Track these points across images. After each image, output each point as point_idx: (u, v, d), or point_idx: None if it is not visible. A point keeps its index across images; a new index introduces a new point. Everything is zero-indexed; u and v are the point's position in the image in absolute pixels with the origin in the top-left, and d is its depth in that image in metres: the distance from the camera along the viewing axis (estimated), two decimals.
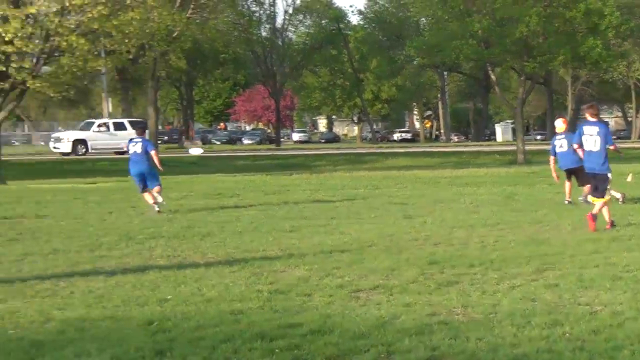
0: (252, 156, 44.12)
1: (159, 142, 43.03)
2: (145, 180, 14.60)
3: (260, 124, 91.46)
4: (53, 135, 48.14)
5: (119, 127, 46.66)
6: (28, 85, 23.42)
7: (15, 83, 23.59)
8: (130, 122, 47.29)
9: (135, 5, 24.27)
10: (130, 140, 14.99)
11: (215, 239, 11.02)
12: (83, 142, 46.56)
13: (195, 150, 24.44)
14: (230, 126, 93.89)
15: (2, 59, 22.84)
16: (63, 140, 46.17)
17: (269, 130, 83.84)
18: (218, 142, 73.54)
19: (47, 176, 28.10)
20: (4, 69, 22.91)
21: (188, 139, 65.49)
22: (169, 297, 7.11)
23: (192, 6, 34.10)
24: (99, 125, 46.22)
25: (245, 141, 75.58)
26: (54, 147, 45.61)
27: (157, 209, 14.42)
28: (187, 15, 33.66)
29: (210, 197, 18.06)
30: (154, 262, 9.11)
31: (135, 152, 14.63)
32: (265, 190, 19.97)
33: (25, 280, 7.95)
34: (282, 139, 72.07)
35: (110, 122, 47.76)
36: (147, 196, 14.68)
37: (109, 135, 46.31)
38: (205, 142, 70.24)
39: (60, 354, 5.33)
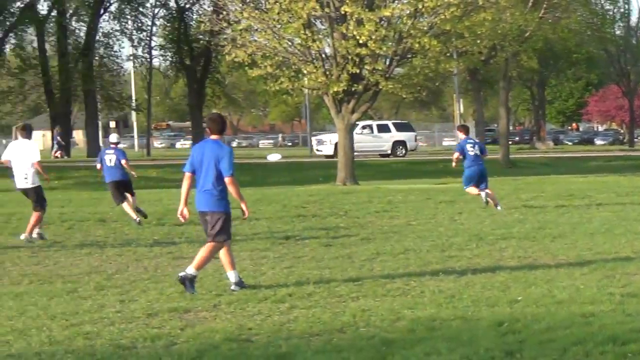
0: (604, 157, 42.24)
1: (510, 142, 41.98)
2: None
3: (613, 124, 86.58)
4: (316, 137, 48.50)
5: (383, 129, 46.61)
6: (381, 86, 23.90)
7: (368, 85, 24.19)
8: (395, 125, 46.70)
9: (487, 6, 24.14)
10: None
11: (566, 240, 10.79)
12: None
13: (274, 157, 22.60)
14: (582, 126, 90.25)
15: (356, 61, 23.40)
16: (326, 143, 46.70)
17: (622, 131, 79.05)
18: (570, 143, 71.81)
19: (395, 177, 28.60)
20: (357, 71, 23.48)
21: (540, 140, 64.21)
22: (519, 298, 7.04)
23: (544, 6, 33.32)
24: (363, 128, 46.34)
25: (598, 142, 72.57)
26: (317, 150, 45.30)
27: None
28: (540, 15, 32.93)
29: (562, 198, 17.57)
30: (505, 263, 9.07)
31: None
32: (618, 191, 19.33)
33: (376, 279, 8.11)
34: (635, 139, 67.64)
35: (374, 124, 47.54)
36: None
37: (373, 137, 46.44)
38: (556, 142, 68.89)
39: (411, 352, 5.40)
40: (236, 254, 8.79)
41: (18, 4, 42.32)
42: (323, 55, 24.27)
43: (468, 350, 5.39)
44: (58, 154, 42.07)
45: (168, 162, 34.14)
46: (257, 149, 69.41)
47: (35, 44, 46.42)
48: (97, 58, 45.66)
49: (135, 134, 68.88)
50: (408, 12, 23.34)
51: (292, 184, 25.65)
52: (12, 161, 12.11)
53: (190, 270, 7.68)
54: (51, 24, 44.74)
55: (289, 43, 24.15)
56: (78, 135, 64.92)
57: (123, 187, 14.16)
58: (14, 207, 15.93)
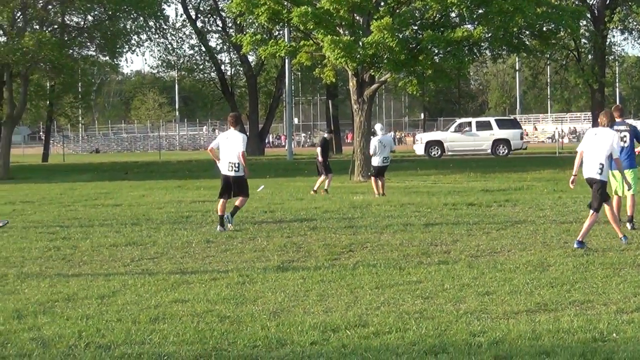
0: None
1: None
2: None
3: None
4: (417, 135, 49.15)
5: (484, 126, 45.71)
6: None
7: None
8: (497, 121, 45.95)
9: None
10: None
11: None
12: (438, 143, 46.42)
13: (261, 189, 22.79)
14: None
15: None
16: (418, 142, 46.54)
17: None
18: None
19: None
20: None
21: None
22: None
23: None
24: (460, 125, 45.72)
25: None
26: (415, 148, 46.52)
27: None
28: None
29: None
30: None
31: None
32: None
33: None
34: None
35: (474, 120, 46.96)
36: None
37: (470, 135, 45.60)
38: None
39: None
40: None
41: None
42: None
43: None
44: None
45: None
46: None
47: None
48: None
49: None
50: None
51: None
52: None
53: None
54: None
55: None
56: None
57: None
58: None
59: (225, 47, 60.49)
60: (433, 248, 11.51)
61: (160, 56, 58.97)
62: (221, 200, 14.12)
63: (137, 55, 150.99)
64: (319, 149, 22.46)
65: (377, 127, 21.36)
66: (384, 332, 6.94)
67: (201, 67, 61.08)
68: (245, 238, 12.81)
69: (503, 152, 45.02)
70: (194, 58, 60.42)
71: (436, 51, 27.50)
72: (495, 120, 47.18)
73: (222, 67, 60.81)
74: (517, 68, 69.54)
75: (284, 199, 19.71)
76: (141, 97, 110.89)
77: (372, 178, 20.57)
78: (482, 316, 7.45)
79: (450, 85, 56.71)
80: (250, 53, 46.11)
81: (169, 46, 57.36)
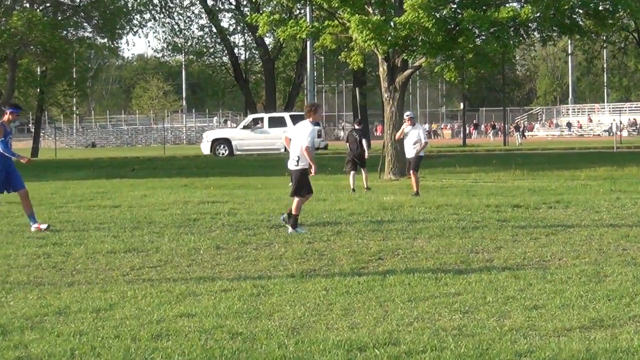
0: None
1: None
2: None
3: None
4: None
5: (277, 122, 45.30)
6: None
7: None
8: (293, 117, 45.52)
9: None
10: None
11: None
12: (226, 141, 46.12)
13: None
14: None
15: None
16: (204, 140, 46.18)
17: None
18: None
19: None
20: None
21: None
22: None
23: None
24: (252, 121, 45.49)
25: None
26: (201, 147, 46.29)
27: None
28: None
29: None
30: None
31: None
32: None
33: None
34: None
35: (266, 116, 46.72)
36: None
37: (261, 133, 45.24)
38: None
39: None
40: None
41: None
42: None
43: None
44: None
45: None
46: None
47: None
48: None
49: None
50: None
51: None
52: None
53: None
54: None
55: None
56: None
57: None
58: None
59: (239, 28, 60.70)
60: (473, 256, 11.44)
61: (165, 38, 59.30)
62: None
63: (140, 37, 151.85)
64: (364, 140, 22.75)
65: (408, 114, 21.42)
66: (417, 351, 6.90)
67: (211, 50, 61.34)
68: (261, 244, 12.81)
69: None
70: (203, 40, 60.70)
71: (478, 32, 27.41)
72: (290, 116, 46.83)
73: (235, 50, 61.03)
74: (569, 52, 69.17)
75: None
76: (144, 85, 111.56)
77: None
78: (529, 333, 7.39)
79: (493, 72, 56.56)
80: (267, 35, 46.23)
81: (176, 27, 57.69)
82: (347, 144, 23.74)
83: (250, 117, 49.80)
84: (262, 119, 47.55)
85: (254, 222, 15.29)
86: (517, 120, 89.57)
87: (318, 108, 14.50)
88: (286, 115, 47.73)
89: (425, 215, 16.05)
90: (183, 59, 68.60)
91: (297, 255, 11.71)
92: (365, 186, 22.39)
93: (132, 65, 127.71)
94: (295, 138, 14.25)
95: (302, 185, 14.22)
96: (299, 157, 14.11)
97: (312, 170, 14.24)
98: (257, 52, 61.19)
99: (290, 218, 14.06)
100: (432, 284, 9.58)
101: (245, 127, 47.49)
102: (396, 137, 22.58)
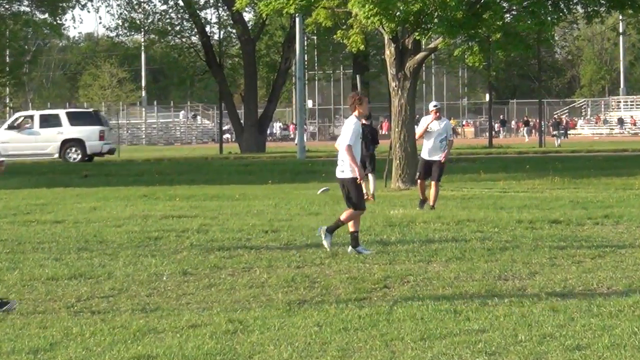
0: None
1: None
2: None
3: None
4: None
5: (50, 121, 45.41)
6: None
7: None
8: (70, 115, 45.69)
9: None
10: None
11: None
12: None
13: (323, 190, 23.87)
14: None
15: None
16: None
17: None
18: None
19: None
20: None
21: None
22: None
23: None
24: (18, 120, 45.25)
25: None
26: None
27: None
28: None
29: None
30: None
31: None
32: None
33: None
34: None
35: (37, 114, 46.72)
36: None
37: (30, 134, 45.39)
38: None
39: None
40: None
41: None
42: None
43: None
44: None
45: None
46: None
47: None
48: None
49: None
50: None
51: None
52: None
53: None
54: None
55: None
56: None
57: None
58: None
59: (211, 1, 60.78)
60: (502, 283, 11.44)
61: (120, 13, 59.34)
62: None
63: (88, 12, 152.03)
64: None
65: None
66: None
67: (178, 28, 61.40)
68: (238, 269, 12.80)
69: (75, 158, 44.93)
70: (167, 16, 60.80)
71: (507, 7, 27.46)
72: (67, 113, 46.85)
73: (207, 28, 61.12)
74: (620, 31, 69.34)
75: (292, 214, 19.68)
76: (93, 71, 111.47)
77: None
78: None
79: (526, 55, 56.71)
80: (246, 9, 46.28)
81: None
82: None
83: (18, 115, 49.41)
84: (32, 117, 47.08)
85: (230, 242, 15.27)
86: (556, 115, 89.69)
87: (363, 99, 14.44)
88: (62, 113, 47.33)
89: (442, 233, 16.03)
90: (142, 40, 68.68)
91: (283, 282, 11.70)
92: (372, 192, 22.44)
93: (79, 47, 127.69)
94: (340, 138, 14.38)
95: (361, 194, 14.27)
96: (344, 162, 14.17)
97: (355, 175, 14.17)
98: (234, 30, 61.29)
99: (351, 240, 14.15)
100: (450, 318, 9.57)
101: (10, 127, 46.82)
102: (417, 136, 22.30)
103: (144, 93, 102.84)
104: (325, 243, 14.18)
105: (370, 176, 22.84)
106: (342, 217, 14.35)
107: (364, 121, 24.40)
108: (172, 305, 10.49)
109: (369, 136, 23.16)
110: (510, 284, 11.40)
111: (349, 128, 14.15)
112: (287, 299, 10.69)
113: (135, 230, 17.04)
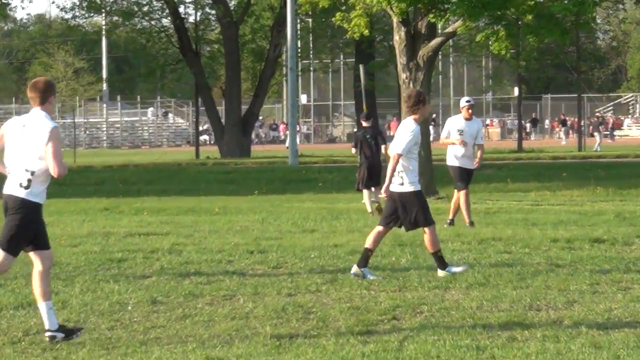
0: None
1: None
2: None
3: None
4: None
5: None
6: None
7: None
8: None
9: None
10: None
11: None
12: None
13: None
14: None
15: None
16: None
17: None
18: None
19: None
20: None
21: None
22: None
23: None
24: None
25: None
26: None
27: None
28: None
29: None
30: None
31: None
32: None
33: None
34: None
35: None
36: None
37: None
38: None
39: None
40: None
41: None
42: None
43: None
44: None
45: None
46: None
47: None
48: None
49: None
50: None
51: None
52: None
53: None
54: None
55: None
56: None
57: None
58: None
59: None
60: (534, 314, 11.44)
61: None
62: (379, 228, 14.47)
63: None
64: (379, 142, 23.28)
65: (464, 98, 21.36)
66: None
67: (146, 9, 61.42)
68: (218, 296, 12.79)
69: None
70: None
71: None
72: None
73: (182, 9, 61.21)
74: None
75: (282, 231, 19.68)
76: (45, 60, 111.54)
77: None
78: None
79: (563, 42, 56.64)
80: None
81: None
82: (356, 150, 23.91)
83: None
84: None
85: (209, 265, 15.27)
86: (598, 113, 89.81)
87: (425, 100, 14.32)
88: None
89: (462, 254, 16.04)
90: (103, 22, 68.63)
91: (271, 313, 11.70)
92: (375, 207, 22.51)
93: (28, 32, 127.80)
94: (393, 143, 14.19)
95: (427, 208, 14.18)
96: (403, 172, 13.97)
97: (383, 189, 14.12)
98: (213, 11, 61.35)
99: (436, 261, 14.16)
100: (471, 356, 9.58)
101: None
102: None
103: (105, 86, 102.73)
104: (459, 269, 14.11)
105: (374, 189, 22.89)
106: (429, 245, 14.26)
107: (364, 123, 24.50)
108: (138, 341, 10.49)
109: (373, 141, 23.20)
110: (544, 315, 11.40)
111: (406, 134, 13.96)
112: (276, 333, 10.69)
113: (95, 250, 17.04)
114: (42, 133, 10.43)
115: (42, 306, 10.55)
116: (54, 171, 10.47)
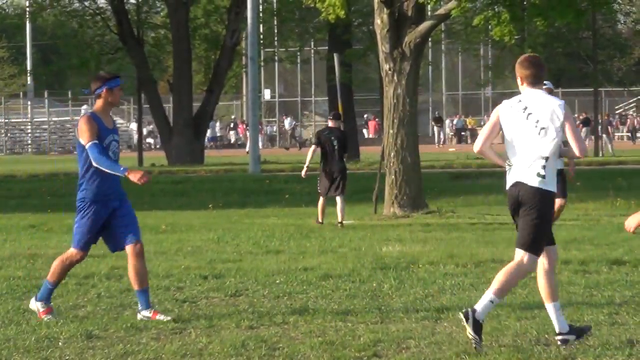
0: None
1: None
2: None
3: None
4: None
5: None
6: None
7: None
8: None
9: None
10: None
11: None
12: None
13: None
14: None
15: None
16: None
17: None
18: None
19: None
20: None
21: None
22: None
23: None
24: None
25: None
26: None
27: None
28: None
29: None
30: None
31: None
32: None
33: None
34: None
35: None
36: None
37: None
38: None
39: None
40: None
41: None
42: None
43: None
44: None
45: None
46: None
47: None
48: None
49: None
50: None
51: None
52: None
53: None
54: None
55: None
56: None
57: None
58: None
59: None
60: (542, 350, 11.52)
61: None
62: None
63: None
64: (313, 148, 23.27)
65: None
66: None
67: None
68: (165, 330, 12.83)
69: None
70: None
71: None
72: None
73: None
74: None
75: (242, 253, 19.74)
76: None
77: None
78: None
79: (577, 26, 56.76)
80: None
81: None
82: (314, 150, 24.17)
83: None
84: None
85: (154, 292, 15.29)
86: (619, 111, 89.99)
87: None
88: None
89: (456, 278, 16.12)
90: (27, 4, 68.58)
91: (229, 349, 11.74)
92: (339, 220, 22.68)
93: None
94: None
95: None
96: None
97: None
98: None
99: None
100: None
101: None
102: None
103: (29, 80, 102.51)
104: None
105: (338, 199, 23.06)
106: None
107: (330, 124, 24.66)
108: None
109: (337, 144, 23.33)
110: (554, 351, 11.48)
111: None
112: None
113: (19, 275, 17.06)
114: None
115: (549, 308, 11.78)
116: None
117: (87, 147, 13.62)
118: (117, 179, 14.03)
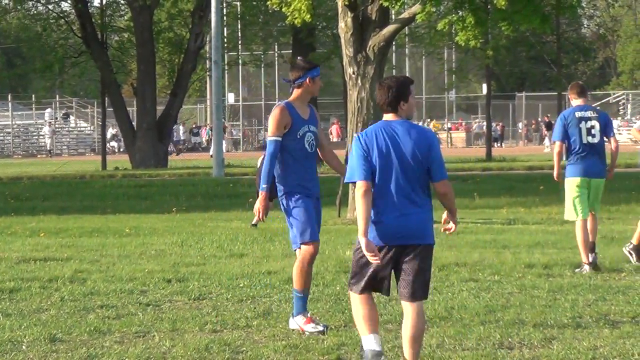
0: None
1: None
2: None
3: None
4: None
5: None
6: None
7: None
8: None
9: None
10: None
11: None
12: None
13: None
14: None
15: None
16: None
17: None
18: None
19: None
20: None
21: None
22: None
23: None
24: None
25: None
26: None
27: None
28: None
29: None
30: None
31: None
32: None
33: None
34: None
35: None
36: None
37: None
38: None
39: None
40: None
41: None
42: None
43: None
44: None
45: None
46: None
47: None
48: None
49: None
50: None
51: None
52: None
53: None
54: None
55: None
56: None
57: None
58: None
59: None
60: (505, 354, 11.54)
61: None
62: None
63: None
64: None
65: None
66: None
67: None
68: (129, 333, 12.80)
69: None
70: None
71: None
72: None
73: None
74: None
75: (205, 256, 19.71)
76: None
77: None
78: None
79: (543, 31, 56.83)
80: None
81: None
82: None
83: None
84: None
85: (118, 296, 15.26)
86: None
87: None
88: None
89: None
90: None
91: (192, 353, 11.74)
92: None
93: None
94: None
95: None
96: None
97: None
98: None
99: None
100: None
101: None
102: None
103: None
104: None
105: None
106: None
107: None
108: None
109: None
110: (517, 355, 11.51)
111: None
112: None
113: None
114: None
115: None
116: None
117: (267, 139, 13.43)
118: (314, 174, 13.81)
